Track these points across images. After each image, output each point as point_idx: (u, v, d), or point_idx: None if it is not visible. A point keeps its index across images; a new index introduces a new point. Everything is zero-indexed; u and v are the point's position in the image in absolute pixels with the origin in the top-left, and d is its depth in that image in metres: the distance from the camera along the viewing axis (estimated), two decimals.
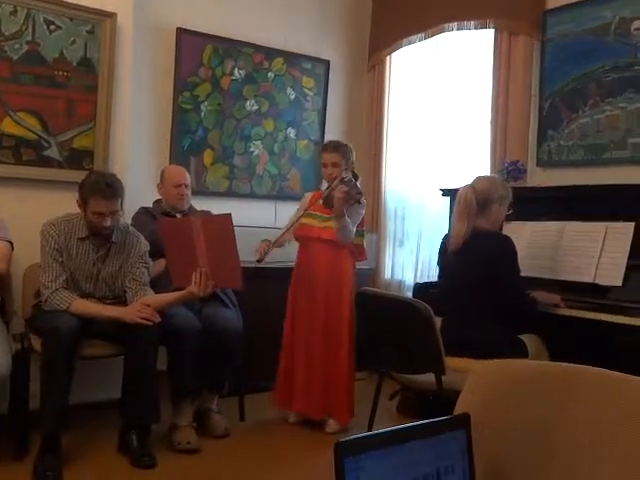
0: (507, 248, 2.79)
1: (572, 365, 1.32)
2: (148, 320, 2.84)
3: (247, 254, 3.12)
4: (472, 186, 2.90)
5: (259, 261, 3.24)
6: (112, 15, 3.49)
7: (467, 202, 2.84)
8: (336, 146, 3.39)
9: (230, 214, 2.81)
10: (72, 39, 3.40)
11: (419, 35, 4.42)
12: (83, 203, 2.91)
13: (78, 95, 3.44)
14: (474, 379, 1.44)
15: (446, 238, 3.04)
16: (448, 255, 2.92)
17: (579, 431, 1.21)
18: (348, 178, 3.22)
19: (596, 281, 2.94)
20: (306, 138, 4.64)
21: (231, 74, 4.28)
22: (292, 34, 4.54)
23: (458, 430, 1.23)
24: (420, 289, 3.54)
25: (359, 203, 3.22)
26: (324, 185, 3.51)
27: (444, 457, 1.19)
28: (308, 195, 3.62)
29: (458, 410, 1.36)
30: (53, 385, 2.72)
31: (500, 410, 1.33)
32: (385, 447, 1.11)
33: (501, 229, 3.14)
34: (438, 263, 3.15)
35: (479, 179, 2.99)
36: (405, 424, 1.16)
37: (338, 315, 3.34)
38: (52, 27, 3.34)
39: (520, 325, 2.83)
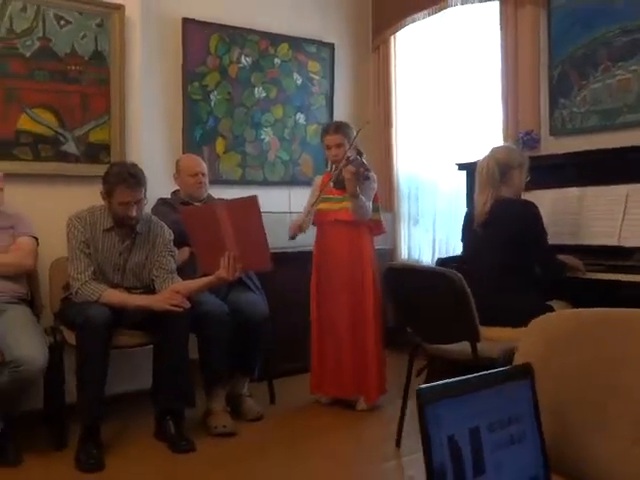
0: (531, 212, 2.80)
1: (628, 309, 1.34)
2: (178, 307, 2.85)
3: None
4: (492, 156, 2.91)
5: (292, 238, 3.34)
6: (120, 7, 3.49)
7: (489, 172, 2.85)
8: (337, 127, 3.41)
9: (256, 196, 2.81)
10: (82, 33, 3.40)
11: (423, 12, 4.41)
12: (108, 195, 2.93)
13: (92, 89, 3.44)
14: (529, 333, 1.45)
15: (469, 214, 3.04)
16: (473, 230, 2.92)
17: None
18: (353, 157, 3.24)
19: (621, 243, 2.96)
20: (315, 122, 4.64)
21: (238, 62, 4.28)
22: (295, 19, 4.53)
23: (522, 379, 1.25)
24: (442, 264, 3.54)
25: (368, 179, 3.23)
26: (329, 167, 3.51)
27: (512, 405, 1.21)
28: (318, 178, 3.61)
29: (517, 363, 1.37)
30: (90, 376, 2.74)
31: (560, 358, 1.35)
32: (459, 395, 1.13)
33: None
34: (462, 239, 3.16)
35: (496, 148, 3.01)
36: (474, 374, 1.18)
37: (363, 295, 3.35)
38: (62, 22, 3.34)
39: (548, 291, 2.84)
